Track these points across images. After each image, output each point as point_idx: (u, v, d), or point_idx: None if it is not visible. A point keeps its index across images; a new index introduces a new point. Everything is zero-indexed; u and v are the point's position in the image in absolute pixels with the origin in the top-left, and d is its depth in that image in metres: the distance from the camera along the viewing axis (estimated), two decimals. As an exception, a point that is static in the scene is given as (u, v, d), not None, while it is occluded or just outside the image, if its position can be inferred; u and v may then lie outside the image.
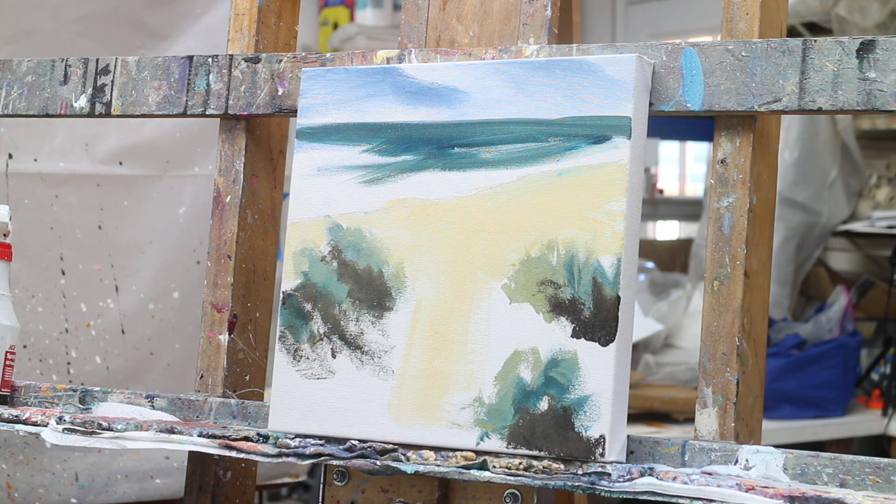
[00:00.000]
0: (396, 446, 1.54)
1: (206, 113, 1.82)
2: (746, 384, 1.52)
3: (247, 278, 1.82)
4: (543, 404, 1.50)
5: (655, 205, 4.97)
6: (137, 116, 1.87)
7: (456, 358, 1.55)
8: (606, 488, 1.43)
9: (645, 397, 3.25)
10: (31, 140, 2.55)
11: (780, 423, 3.44)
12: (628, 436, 1.49)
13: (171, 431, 1.63)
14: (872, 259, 4.14)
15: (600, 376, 1.47)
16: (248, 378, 1.81)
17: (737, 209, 1.53)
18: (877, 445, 3.60)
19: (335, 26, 4.93)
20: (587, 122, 1.52)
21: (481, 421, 1.52)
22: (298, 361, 1.63)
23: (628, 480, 1.43)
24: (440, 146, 1.60)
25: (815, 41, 1.49)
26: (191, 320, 2.59)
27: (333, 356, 1.62)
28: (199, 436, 1.61)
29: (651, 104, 1.55)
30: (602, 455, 1.46)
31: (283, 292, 1.66)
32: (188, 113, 1.83)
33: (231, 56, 1.81)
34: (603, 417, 1.47)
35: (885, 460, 1.38)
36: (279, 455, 1.57)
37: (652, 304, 3.83)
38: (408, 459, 1.52)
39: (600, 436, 1.46)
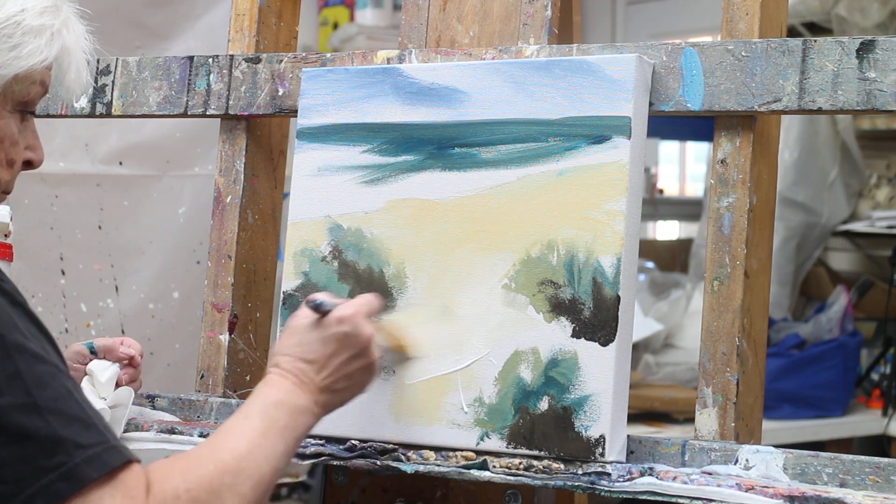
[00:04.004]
0: (397, 446, 1.54)
1: (207, 113, 1.82)
2: (746, 384, 1.52)
3: (247, 278, 1.82)
4: (543, 404, 1.50)
5: (655, 205, 4.96)
6: (138, 117, 1.87)
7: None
8: (606, 488, 1.43)
9: (645, 397, 3.25)
10: (30, 140, 2.54)
11: (780, 423, 3.44)
12: (628, 436, 1.49)
13: (172, 431, 1.64)
14: (872, 259, 4.13)
15: (600, 376, 1.47)
16: (248, 378, 1.81)
17: (737, 209, 1.53)
18: (877, 445, 3.59)
19: (335, 26, 4.92)
20: (587, 122, 1.52)
21: (481, 421, 1.52)
22: (299, 361, 1.63)
23: (628, 480, 1.43)
24: (440, 146, 1.60)
25: (815, 41, 1.48)
26: (191, 320, 2.59)
27: (334, 356, 1.62)
28: (200, 436, 1.61)
29: (651, 104, 1.55)
30: (602, 455, 1.46)
31: (283, 292, 1.66)
32: (189, 113, 1.83)
33: (232, 56, 1.81)
34: (603, 417, 1.47)
35: (885, 460, 1.38)
36: (279, 455, 1.57)
37: (652, 304, 3.82)
38: (408, 459, 1.52)
39: (600, 436, 1.46)
